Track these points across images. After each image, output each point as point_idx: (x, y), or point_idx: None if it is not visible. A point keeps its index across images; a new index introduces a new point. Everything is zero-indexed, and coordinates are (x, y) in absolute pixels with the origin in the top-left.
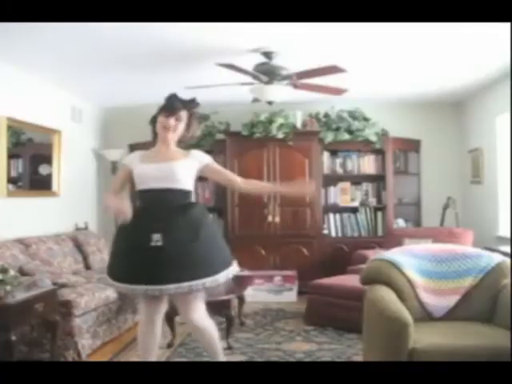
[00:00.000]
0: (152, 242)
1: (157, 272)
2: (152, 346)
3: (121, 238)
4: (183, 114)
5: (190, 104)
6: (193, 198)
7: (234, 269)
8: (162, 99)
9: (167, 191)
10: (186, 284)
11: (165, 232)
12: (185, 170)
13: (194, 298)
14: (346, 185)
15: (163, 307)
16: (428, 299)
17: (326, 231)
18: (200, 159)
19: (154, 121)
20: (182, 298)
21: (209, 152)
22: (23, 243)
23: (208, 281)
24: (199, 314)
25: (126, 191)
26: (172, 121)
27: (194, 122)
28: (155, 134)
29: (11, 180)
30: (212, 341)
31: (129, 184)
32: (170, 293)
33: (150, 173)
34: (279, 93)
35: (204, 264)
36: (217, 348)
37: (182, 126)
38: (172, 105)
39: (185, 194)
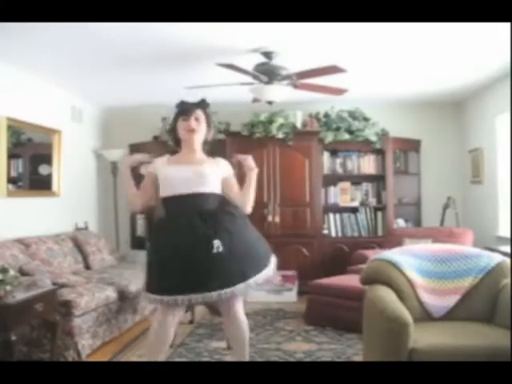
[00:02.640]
0: (214, 249)
1: (218, 278)
2: (163, 349)
3: (161, 249)
4: (200, 114)
5: (202, 104)
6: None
7: (274, 261)
8: (162, 99)
9: (201, 196)
10: (241, 286)
11: (221, 238)
12: (214, 175)
13: (240, 295)
14: (346, 185)
15: (183, 310)
16: (428, 299)
17: (326, 231)
18: (225, 169)
19: (172, 129)
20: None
21: (209, 152)
22: (23, 243)
23: (259, 277)
24: (242, 309)
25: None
26: (193, 122)
27: (211, 121)
28: (177, 141)
29: (11, 180)
30: (246, 336)
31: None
32: (228, 296)
33: (179, 176)
34: (279, 93)
35: (255, 262)
36: (247, 343)
37: (203, 126)
38: (186, 107)
39: (218, 197)
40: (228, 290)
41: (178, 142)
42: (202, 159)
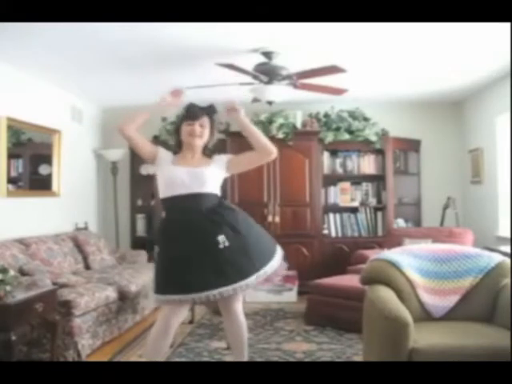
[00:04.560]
0: (220, 244)
1: (226, 273)
2: (163, 350)
3: (171, 250)
4: (206, 120)
5: (210, 110)
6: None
7: (280, 252)
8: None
9: (201, 195)
10: (253, 278)
11: (225, 233)
12: (214, 177)
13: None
14: (346, 185)
15: (185, 312)
16: (428, 299)
17: (326, 231)
18: (222, 159)
19: (176, 130)
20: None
21: (209, 154)
22: (23, 243)
23: (268, 268)
24: (241, 307)
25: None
26: (198, 128)
27: (215, 128)
28: (179, 143)
29: (11, 180)
30: (245, 334)
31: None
32: (238, 292)
33: (180, 176)
34: (279, 93)
35: (261, 253)
36: (246, 342)
37: (207, 132)
38: (194, 113)
39: (216, 197)
40: (243, 283)
41: (179, 144)
42: (201, 161)
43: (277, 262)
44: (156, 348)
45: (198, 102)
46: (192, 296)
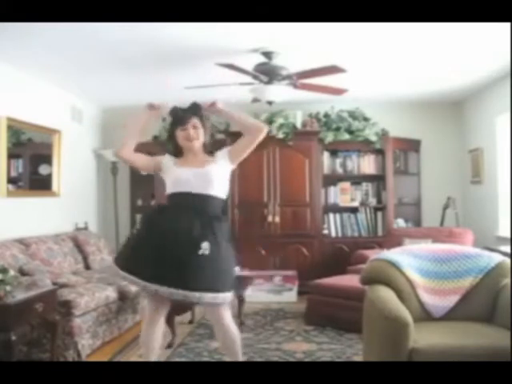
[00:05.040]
0: (201, 250)
1: (196, 279)
2: (154, 345)
3: (152, 232)
4: (196, 121)
5: (195, 109)
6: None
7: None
8: (163, 99)
9: (205, 197)
10: (221, 295)
11: (210, 241)
12: (221, 174)
13: (227, 305)
14: (346, 185)
15: (166, 308)
16: (428, 299)
17: (326, 231)
18: (223, 152)
19: (171, 137)
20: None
21: (210, 151)
22: (23, 243)
23: (229, 295)
24: (229, 319)
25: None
26: (191, 131)
27: (207, 124)
28: (178, 148)
29: (11, 180)
30: (238, 343)
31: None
32: (204, 301)
33: (186, 176)
34: (279, 93)
35: (230, 276)
36: (240, 351)
37: (201, 132)
38: (182, 117)
39: (220, 201)
40: (210, 295)
41: (179, 149)
42: (205, 161)
43: (231, 294)
44: (145, 350)
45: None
46: (156, 287)
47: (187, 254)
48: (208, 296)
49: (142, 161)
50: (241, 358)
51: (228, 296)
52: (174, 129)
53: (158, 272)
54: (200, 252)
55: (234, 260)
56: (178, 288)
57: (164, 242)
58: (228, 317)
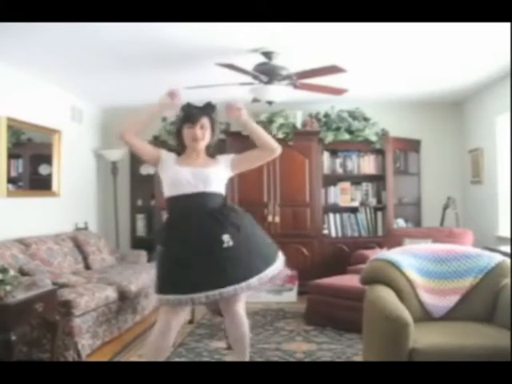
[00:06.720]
0: (224, 243)
1: (227, 272)
2: (163, 352)
3: (174, 248)
4: (206, 121)
5: (209, 109)
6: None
7: (281, 261)
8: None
9: (206, 195)
10: (254, 279)
11: (229, 232)
12: (219, 177)
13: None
14: (346, 185)
15: (185, 313)
16: (428, 299)
17: (326, 231)
18: (226, 159)
19: (178, 133)
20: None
21: (212, 154)
22: (23, 243)
23: (269, 271)
24: (243, 307)
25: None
26: (199, 131)
27: (216, 126)
28: (182, 146)
29: (11, 180)
30: (247, 335)
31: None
32: (240, 292)
33: (186, 176)
34: (279, 93)
35: (265, 256)
36: (247, 342)
37: (208, 133)
38: (193, 115)
39: (221, 197)
40: (243, 284)
41: (183, 146)
42: (206, 162)
43: (278, 266)
44: (155, 349)
45: (199, 102)
46: (191, 296)
47: (213, 252)
48: (238, 287)
49: (146, 147)
50: (247, 354)
51: (244, 285)
52: (182, 125)
53: (193, 281)
54: (225, 245)
55: (263, 233)
56: (214, 289)
57: (188, 251)
58: (240, 306)
